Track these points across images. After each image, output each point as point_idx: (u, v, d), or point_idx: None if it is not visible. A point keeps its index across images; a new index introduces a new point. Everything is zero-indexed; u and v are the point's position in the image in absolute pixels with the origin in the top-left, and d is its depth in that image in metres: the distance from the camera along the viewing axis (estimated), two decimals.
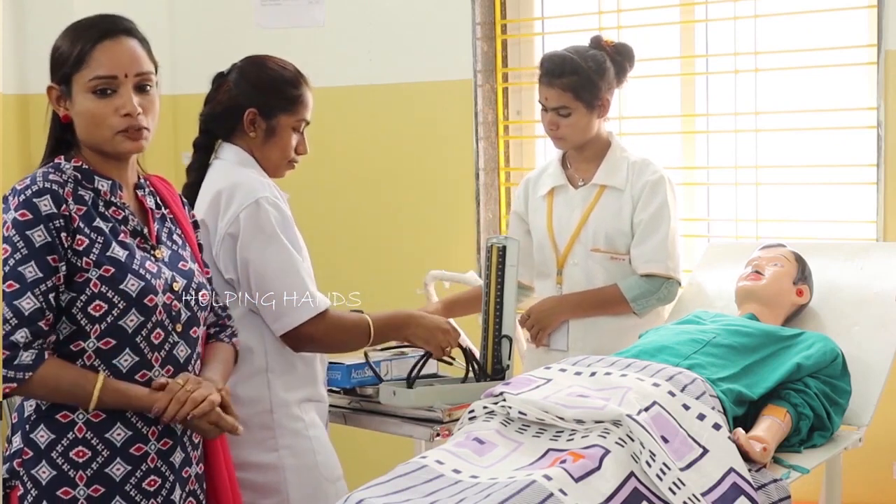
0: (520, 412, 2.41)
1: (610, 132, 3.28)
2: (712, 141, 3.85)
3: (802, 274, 3.01)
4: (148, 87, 2.19)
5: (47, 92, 2.20)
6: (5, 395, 2.06)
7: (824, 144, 3.64)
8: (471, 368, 2.92)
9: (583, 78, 3.12)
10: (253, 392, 2.64)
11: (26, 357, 2.06)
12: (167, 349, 2.22)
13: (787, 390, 2.66)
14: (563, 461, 2.20)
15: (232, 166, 2.69)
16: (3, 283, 2.06)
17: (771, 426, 2.57)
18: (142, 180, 2.30)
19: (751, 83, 3.70)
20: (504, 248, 2.94)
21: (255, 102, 2.70)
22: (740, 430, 2.47)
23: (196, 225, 2.45)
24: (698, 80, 3.86)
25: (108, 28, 2.18)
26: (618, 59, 3.19)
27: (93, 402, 2.11)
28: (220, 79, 2.77)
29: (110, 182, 2.21)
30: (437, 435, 2.74)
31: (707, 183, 3.87)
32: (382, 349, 3.01)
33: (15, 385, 2.05)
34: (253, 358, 2.64)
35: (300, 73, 2.77)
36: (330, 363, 2.90)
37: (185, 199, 2.47)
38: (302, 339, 2.63)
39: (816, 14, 3.62)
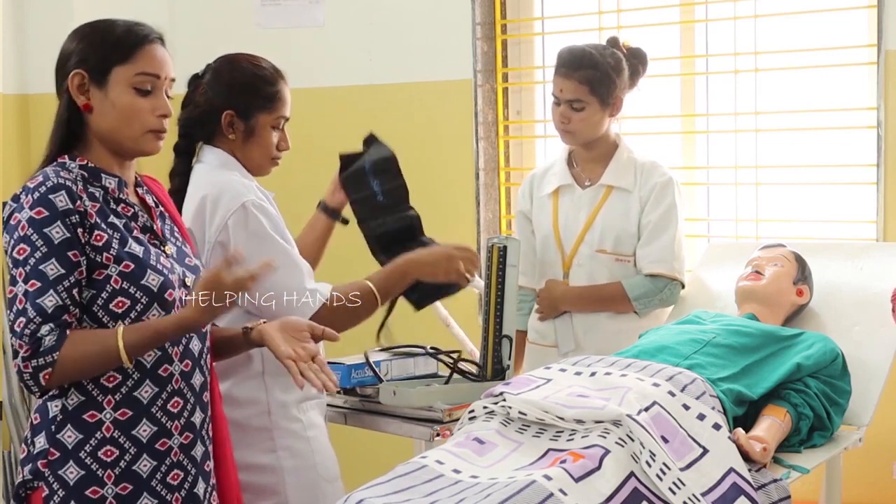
0: (520, 412, 2.41)
1: (617, 134, 3.28)
2: (712, 141, 3.85)
3: (802, 274, 3.01)
4: (170, 95, 2.25)
5: (70, 78, 2.18)
6: (47, 386, 2.07)
7: (824, 144, 3.64)
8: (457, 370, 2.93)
9: (601, 73, 3.12)
10: (250, 394, 2.64)
11: (49, 340, 2.06)
12: (184, 343, 2.24)
13: (787, 390, 2.66)
14: (563, 461, 2.20)
15: (214, 170, 2.66)
16: (26, 282, 2.07)
17: (771, 426, 2.57)
18: (138, 179, 2.32)
19: (751, 83, 3.71)
20: (504, 248, 2.93)
21: (232, 103, 2.66)
22: (740, 430, 2.47)
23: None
24: (698, 80, 3.86)
25: (151, 31, 2.24)
26: (633, 61, 3.20)
27: (121, 350, 2.08)
28: (194, 81, 2.73)
29: (117, 179, 2.22)
30: (437, 435, 2.74)
31: (707, 183, 3.87)
32: (381, 350, 3.01)
33: (50, 370, 2.06)
34: (249, 362, 2.63)
35: (276, 70, 2.72)
36: (329, 363, 2.89)
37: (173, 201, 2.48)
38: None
39: (816, 14, 3.62)
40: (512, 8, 4.18)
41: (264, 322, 2.36)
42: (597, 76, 3.12)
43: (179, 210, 2.61)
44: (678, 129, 3.92)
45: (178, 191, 2.69)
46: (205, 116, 2.68)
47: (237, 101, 2.66)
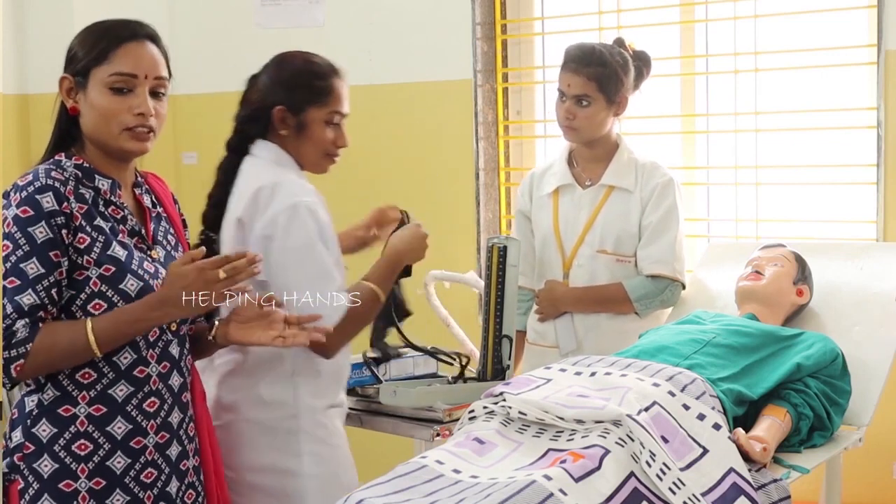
0: (520, 412, 2.41)
1: (618, 134, 3.27)
2: (712, 141, 3.86)
3: (802, 274, 3.01)
4: (161, 94, 2.24)
5: (59, 82, 2.22)
6: (18, 378, 2.09)
7: (824, 144, 3.65)
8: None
9: (609, 70, 3.12)
10: (279, 395, 2.59)
11: (21, 333, 2.08)
12: (162, 346, 2.25)
13: (787, 390, 2.66)
14: (563, 461, 2.20)
15: (269, 164, 2.64)
16: (5, 279, 2.09)
17: (771, 426, 2.56)
18: (139, 178, 2.33)
19: (751, 83, 3.71)
20: (505, 248, 2.93)
21: (283, 98, 2.64)
22: (740, 430, 2.47)
23: (185, 224, 2.46)
24: (698, 80, 3.86)
25: (135, 30, 2.23)
26: (637, 63, 3.20)
27: (90, 338, 2.11)
28: (253, 80, 2.72)
29: (110, 181, 2.24)
30: (437, 435, 2.74)
31: (707, 183, 3.87)
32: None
33: (21, 362, 2.08)
34: (280, 362, 2.59)
35: (330, 65, 2.70)
36: None
37: (176, 198, 2.47)
38: (329, 347, 2.55)
39: (816, 14, 3.63)
40: (512, 8, 4.18)
41: (220, 320, 2.36)
42: (605, 73, 3.12)
43: (219, 203, 2.60)
44: (678, 129, 3.92)
45: (223, 185, 2.66)
46: (257, 113, 2.66)
47: (288, 95, 2.64)
